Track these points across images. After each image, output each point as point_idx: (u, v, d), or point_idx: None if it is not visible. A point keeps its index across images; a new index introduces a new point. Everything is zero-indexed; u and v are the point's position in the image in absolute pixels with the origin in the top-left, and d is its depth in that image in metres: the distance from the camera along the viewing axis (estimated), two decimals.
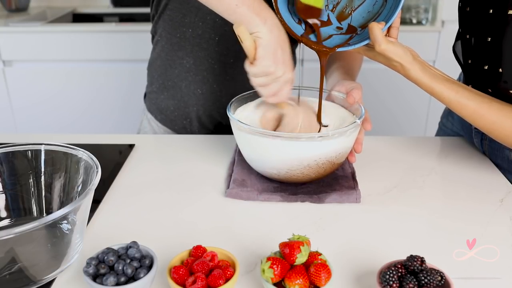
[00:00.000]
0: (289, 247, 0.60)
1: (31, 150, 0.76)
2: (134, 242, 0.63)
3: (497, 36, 0.83)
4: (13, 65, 2.24)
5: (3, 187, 0.75)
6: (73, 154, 0.74)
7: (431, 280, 0.57)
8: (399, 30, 0.82)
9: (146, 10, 1.91)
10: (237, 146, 0.97)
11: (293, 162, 0.80)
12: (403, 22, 2.26)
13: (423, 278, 0.58)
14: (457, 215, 0.80)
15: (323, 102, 0.94)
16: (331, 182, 0.87)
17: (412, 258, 0.60)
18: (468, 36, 0.92)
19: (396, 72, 0.83)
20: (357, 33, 0.86)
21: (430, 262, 0.61)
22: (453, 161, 0.98)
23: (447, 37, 2.12)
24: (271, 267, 0.58)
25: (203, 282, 0.58)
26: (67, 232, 0.66)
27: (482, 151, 1.01)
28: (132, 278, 0.60)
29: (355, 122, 0.82)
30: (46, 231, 0.63)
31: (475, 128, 1.00)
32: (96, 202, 0.82)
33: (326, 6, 0.89)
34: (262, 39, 0.75)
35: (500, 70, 0.84)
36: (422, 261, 0.59)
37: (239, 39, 0.75)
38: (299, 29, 0.86)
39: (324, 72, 0.86)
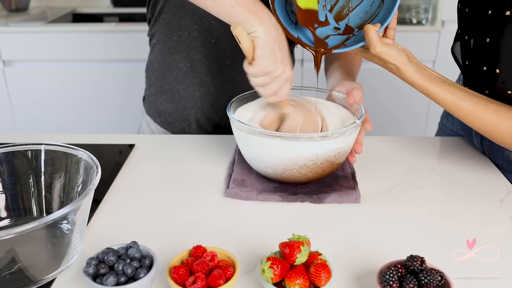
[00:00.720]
0: (289, 247, 0.60)
1: (31, 150, 0.76)
2: (134, 242, 0.63)
3: (495, 37, 0.83)
4: (13, 65, 2.24)
5: (3, 187, 0.75)
6: (73, 154, 0.74)
7: (431, 280, 0.57)
8: (395, 30, 0.82)
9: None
10: (237, 146, 0.97)
11: (289, 161, 0.80)
12: (403, 22, 2.26)
13: (423, 278, 0.58)
14: (457, 215, 0.80)
15: (323, 102, 0.94)
16: (331, 182, 0.87)
17: (412, 258, 0.60)
18: (466, 37, 0.92)
19: (392, 73, 0.83)
20: (354, 34, 0.86)
21: (430, 262, 0.61)
22: (453, 161, 0.98)
23: (447, 37, 2.12)
24: (271, 267, 0.58)
25: (203, 282, 0.58)
26: (67, 232, 0.66)
27: (482, 151, 1.01)
28: (132, 278, 0.60)
29: (354, 122, 0.82)
30: (46, 231, 0.63)
31: None
32: (96, 202, 0.82)
33: (324, 6, 0.90)
34: (260, 38, 0.75)
35: (497, 71, 0.84)
36: (422, 261, 0.59)
37: (237, 40, 0.75)
38: (295, 30, 0.86)
39: (319, 69, 0.86)
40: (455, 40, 0.99)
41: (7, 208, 0.75)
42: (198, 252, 0.63)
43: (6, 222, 0.75)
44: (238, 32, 0.74)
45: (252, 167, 0.89)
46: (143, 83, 1.21)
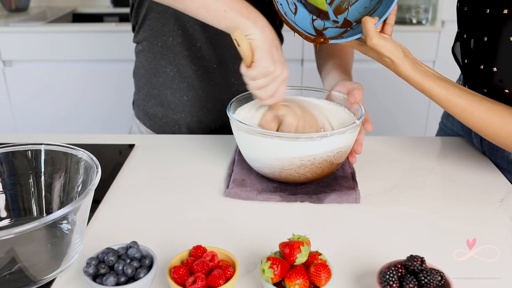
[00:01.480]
0: (289, 247, 0.60)
1: (31, 150, 0.76)
2: (134, 242, 0.63)
3: (493, 36, 0.83)
4: (13, 65, 2.24)
5: (3, 187, 0.75)
6: (73, 154, 0.74)
7: (431, 280, 0.57)
8: (393, 27, 0.82)
9: None
10: (237, 146, 0.97)
11: (286, 161, 0.80)
12: (403, 22, 2.26)
13: (423, 278, 0.58)
14: (457, 215, 0.80)
15: (323, 102, 0.94)
16: (331, 182, 0.87)
17: (412, 258, 0.60)
18: (465, 36, 0.92)
19: (387, 68, 0.83)
20: (352, 27, 0.86)
21: (430, 262, 0.61)
22: (453, 161, 0.98)
23: (447, 37, 2.12)
24: (271, 267, 0.58)
25: (203, 282, 0.58)
26: (67, 232, 0.66)
27: (482, 151, 1.01)
28: (132, 278, 0.60)
29: (354, 122, 0.82)
30: (46, 231, 0.63)
31: None
32: (96, 202, 0.82)
33: None
34: (256, 40, 0.75)
35: (495, 69, 0.84)
36: (422, 261, 0.59)
37: (235, 43, 0.75)
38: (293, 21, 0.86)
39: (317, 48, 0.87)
40: (455, 40, 0.99)
41: (7, 208, 0.75)
42: (198, 252, 0.63)
43: (6, 222, 0.75)
44: (237, 35, 0.74)
45: (252, 167, 0.89)
46: None
